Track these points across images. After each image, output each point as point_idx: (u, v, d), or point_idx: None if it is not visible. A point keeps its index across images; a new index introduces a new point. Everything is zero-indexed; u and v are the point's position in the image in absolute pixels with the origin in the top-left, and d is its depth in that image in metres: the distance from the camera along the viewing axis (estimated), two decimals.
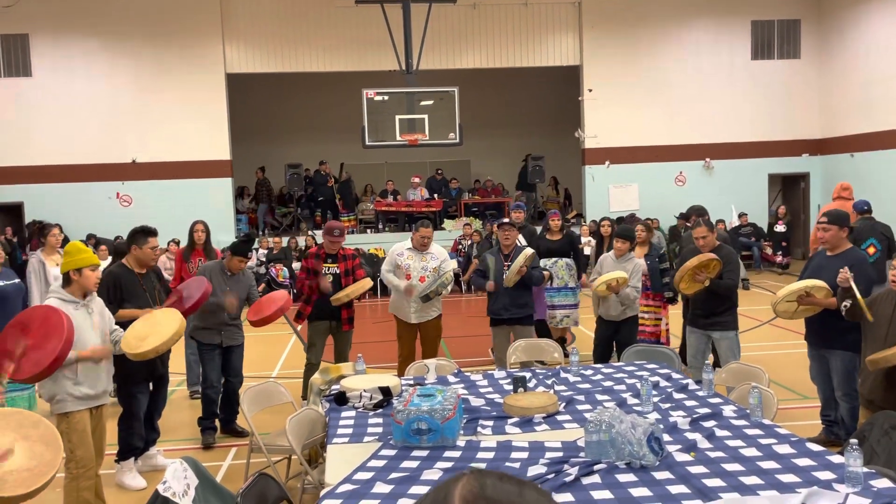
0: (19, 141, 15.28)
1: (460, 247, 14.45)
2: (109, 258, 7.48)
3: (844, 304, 4.62)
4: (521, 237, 7.13)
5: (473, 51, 16.34)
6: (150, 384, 5.25)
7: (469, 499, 0.75)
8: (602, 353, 6.51)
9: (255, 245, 14.74)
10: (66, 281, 4.19)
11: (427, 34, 13.23)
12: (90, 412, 4.24)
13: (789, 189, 17.59)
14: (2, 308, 5.34)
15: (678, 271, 5.67)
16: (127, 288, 5.05)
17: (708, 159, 16.70)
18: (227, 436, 6.04)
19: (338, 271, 6.35)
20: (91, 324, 4.26)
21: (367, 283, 6.39)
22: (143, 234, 5.18)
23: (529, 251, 6.33)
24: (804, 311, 5.00)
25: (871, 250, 7.14)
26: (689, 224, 6.75)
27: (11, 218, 15.59)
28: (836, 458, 3.22)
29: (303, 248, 14.46)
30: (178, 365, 7.53)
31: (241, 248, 6.03)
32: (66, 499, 4.13)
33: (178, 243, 12.30)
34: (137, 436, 5.10)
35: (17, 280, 5.82)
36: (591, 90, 16.43)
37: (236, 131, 16.53)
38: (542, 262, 7.79)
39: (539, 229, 8.61)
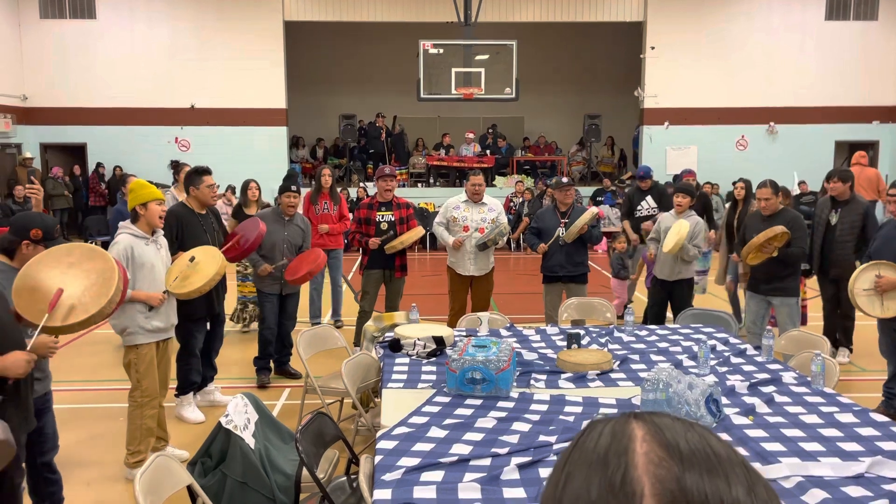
0: (83, 83, 15.63)
1: (511, 204, 14.36)
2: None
3: None
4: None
5: (533, 3, 15.98)
6: (208, 323, 5.39)
7: (664, 481, 0.58)
8: (656, 314, 6.43)
9: None
10: (134, 217, 4.30)
11: None
12: (157, 345, 4.37)
13: None
14: None
15: (745, 246, 5.53)
16: (188, 228, 5.16)
17: (772, 123, 16.15)
18: (280, 377, 6.20)
19: (392, 218, 6.38)
20: (161, 259, 4.38)
21: (419, 230, 6.43)
22: (196, 174, 5.28)
23: (594, 210, 6.26)
24: (894, 298, 4.78)
25: None
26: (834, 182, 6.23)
27: (75, 158, 16.04)
28: None
29: (354, 199, 14.56)
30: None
31: (285, 183, 6.17)
32: (129, 425, 4.30)
33: (234, 190, 12.50)
34: (195, 371, 5.26)
35: None
36: (653, 48, 15.95)
37: (292, 80, 16.59)
38: None
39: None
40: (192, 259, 4.54)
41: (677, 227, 6.02)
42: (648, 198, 7.93)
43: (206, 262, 4.54)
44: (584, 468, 0.61)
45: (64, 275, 3.25)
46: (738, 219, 7.08)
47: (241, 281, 7.59)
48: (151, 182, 10.44)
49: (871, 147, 16.46)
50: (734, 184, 7.48)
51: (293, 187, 6.07)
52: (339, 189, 7.81)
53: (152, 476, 2.67)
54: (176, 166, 7.69)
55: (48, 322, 3.14)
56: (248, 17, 15.60)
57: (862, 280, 4.80)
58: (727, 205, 7.94)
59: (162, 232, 4.51)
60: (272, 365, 6.18)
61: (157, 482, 2.70)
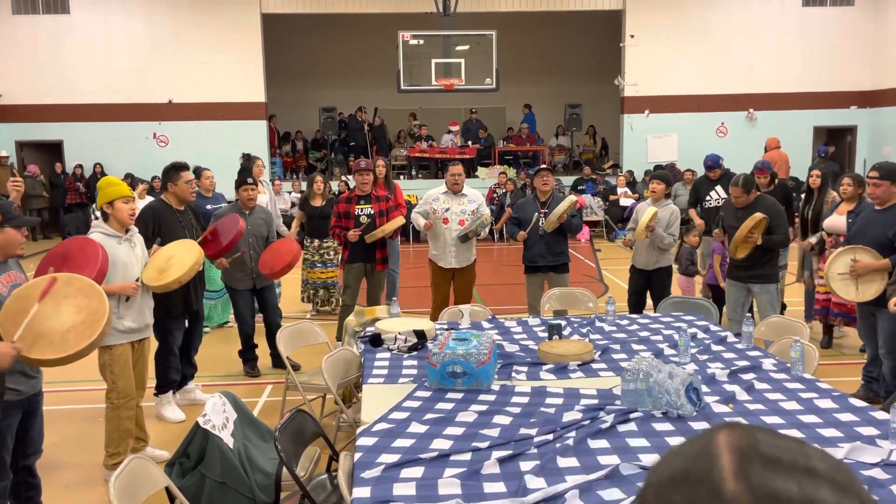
0: (59, 79, 15.39)
1: (495, 195, 14.34)
2: (148, 198, 7.58)
3: None
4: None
5: None
6: (186, 320, 5.33)
7: (743, 449, 0.62)
8: (636, 303, 6.43)
9: (289, 189, 14.79)
10: (105, 215, 4.23)
11: None
12: (132, 346, 4.31)
13: (835, 142, 17.05)
14: None
15: (731, 243, 5.54)
16: (166, 224, 5.09)
17: (751, 110, 16.23)
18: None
19: (372, 211, 6.33)
20: (135, 258, 4.30)
21: (399, 220, 6.38)
22: (174, 170, 5.22)
23: (573, 198, 6.23)
24: (870, 282, 4.79)
25: None
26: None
27: (52, 156, 15.81)
28: (880, 415, 3.15)
29: (336, 192, 14.47)
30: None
31: (240, 177, 5.98)
32: (107, 427, 4.24)
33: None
34: (174, 370, 5.21)
35: (223, 203, 6.69)
36: (633, 36, 15.95)
37: (271, 74, 16.42)
38: None
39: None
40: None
41: (646, 215, 6.01)
42: (718, 188, 7.44)
43: (183, 254, 4.48)
44: (670, 458, 0.66)
45: (57, 305, 3.26)
46: (814, 210, 6.73)
47: (310, 268, 7.91)
48: (131, 175, 10.29)
49: (849, 132, 16.60)
50: (810, 171, 6.98)
51: (249, 180, 5.96)
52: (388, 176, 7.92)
53: (128, 479, 2.63)
54: (248, 159, 7.74)
55: (23, 351, 3.11)
56: (224, 10, 15.42)
57: (837, 264, 4.82)
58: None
59: (137, 230, 4.44)
60: (257, 354, 6.15)
61: (133, 485, 2.66)
